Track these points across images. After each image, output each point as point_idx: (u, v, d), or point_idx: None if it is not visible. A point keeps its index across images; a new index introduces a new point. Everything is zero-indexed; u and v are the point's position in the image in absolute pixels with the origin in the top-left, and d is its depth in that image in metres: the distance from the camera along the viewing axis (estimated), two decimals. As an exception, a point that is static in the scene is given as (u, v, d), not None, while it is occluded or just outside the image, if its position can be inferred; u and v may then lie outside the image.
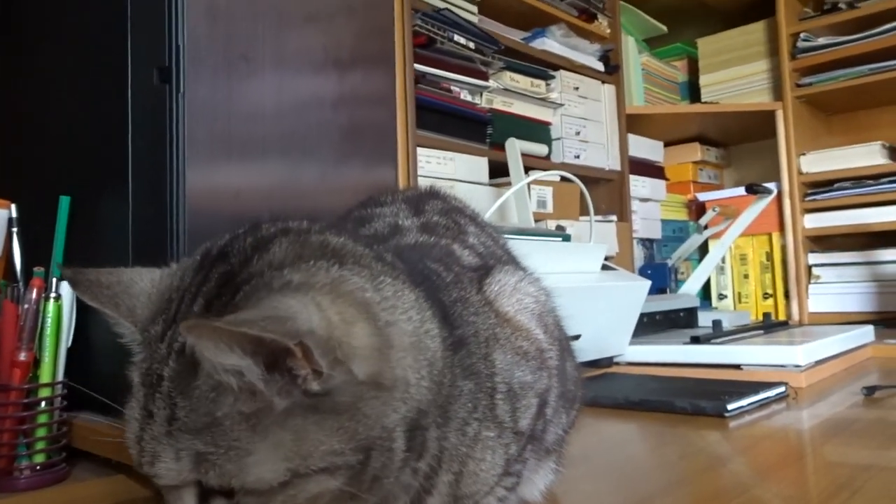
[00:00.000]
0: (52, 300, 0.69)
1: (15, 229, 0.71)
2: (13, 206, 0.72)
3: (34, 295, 0.67)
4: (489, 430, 0.43)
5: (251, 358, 0.33)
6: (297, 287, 0.37)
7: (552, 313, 0.53)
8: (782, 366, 1.13)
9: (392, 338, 0.38)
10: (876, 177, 1.94)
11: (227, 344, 0.33)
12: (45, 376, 0.68)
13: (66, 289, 0.70)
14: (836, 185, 2.00)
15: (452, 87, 1.51)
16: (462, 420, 0.42)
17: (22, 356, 0.67)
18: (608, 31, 1.98)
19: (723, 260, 2.22)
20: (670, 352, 1.26)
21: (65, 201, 0.72)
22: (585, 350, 1.11)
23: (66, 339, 0.71)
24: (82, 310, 0.72)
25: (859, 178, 1.97)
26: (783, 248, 2.10)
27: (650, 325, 1.48)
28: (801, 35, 2.05)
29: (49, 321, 0.69)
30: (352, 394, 0.36)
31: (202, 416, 0.35)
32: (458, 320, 0.44)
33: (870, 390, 0.99)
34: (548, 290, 0.54)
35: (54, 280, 0.69)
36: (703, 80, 2.30)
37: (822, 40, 2.02)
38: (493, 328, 0.46)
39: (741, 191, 2.00)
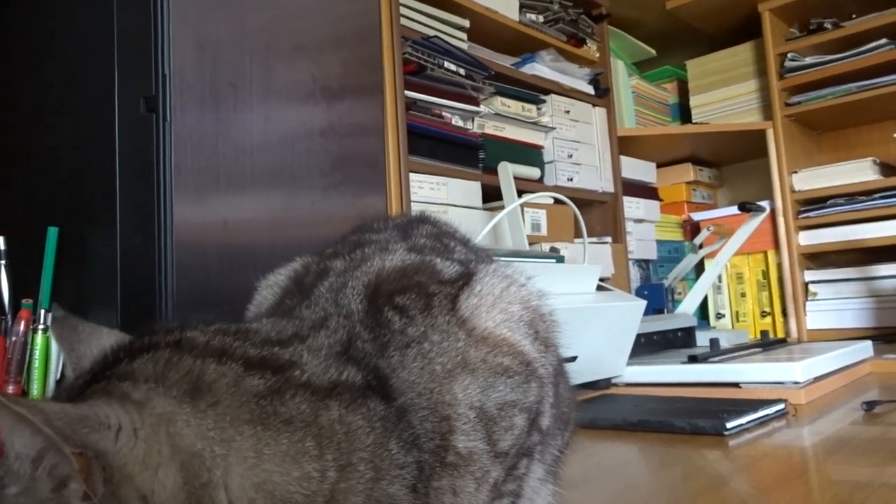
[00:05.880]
0: (40, 332, 0.68)
1: (3, 261, 0.71)
2: (1, 238, 0.72)
3: (22, 327, 0.67)
4: (444, 478, 0.41)
5: (35, 450, 0.31)
6: (129, 403, 0.34)
7: (545, 318, 0.50)
8: (781, 383, 1.12)
9: (215, 496, 0.34)
10: (868, 192, 1.95)
11: (13, 427, 0.31)
12: (33, 410, 0.68)
13: (54, 320, 0.69)
14: (829, 202, 2.01)
15: (444, 113, 1.52)
16: (409, 488, 0.39)
17: (9, 389, 0.66)
18: (597, 55, 2.00)
19: (719, 279, 2.22)
20: (668, 371, 1.25)
21: (53, 232, 0.72)
22: (583, 371, 1.10)
23: (55, 372, 0.70)
24: (71, 341, 0.71)
25: (852, 195, 1.97)
26: (779, 266, 2.10)
27: (647, 346, 1.48)
28: (789, 55, 2.07)
29: (37, 353, 0.68)
30: None
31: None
32: (402, 385, 0.41)
33: (870, 405, 0.98)
34: (540, 293, 0.51)
35: (42, 311, 0.69)
36: (694, 101, 2.32)
37: (809, 59, 2.04)
38: (463, 353, 0.43)
39: (735, 210, 2.00)
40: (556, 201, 1.62)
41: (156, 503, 0.32)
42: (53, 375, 0.70)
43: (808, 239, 2.05)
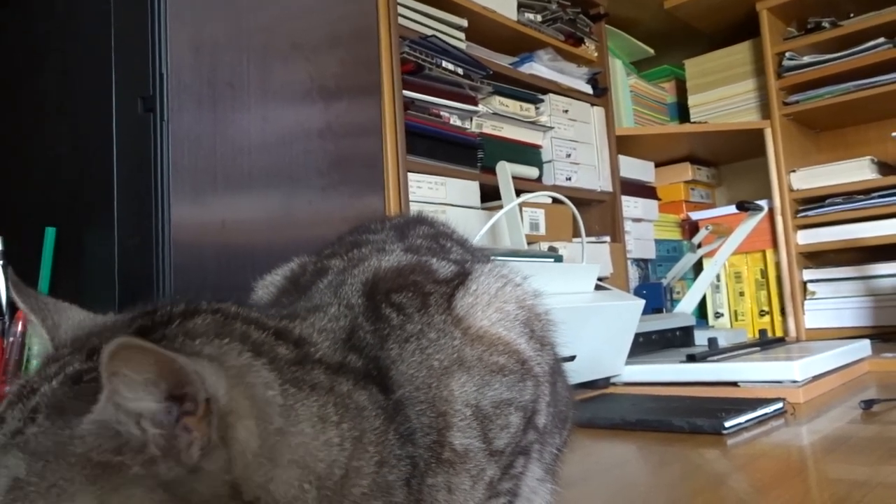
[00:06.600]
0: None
1: (0, 261, 0.71)
2: (-1, 239, 0.72)
3: (20, 328, 0.67)
4: (439, 475, 0.41)
5: (166, 402, 0.31)
6: (204, 358, 0.34)
7: (540, 317, 0.51)
8: (779, 382, 1.12)
9: (276, 448, 0.35)
10: (866, 192, 1.95)
11: (152, 376, 0.31)
12: (31, 410, 0.68)
13: (52, 321, 0.69)
14: (827, 201, 2.01)
15: (442, 113, 1.52)
16: (404, 481, 0.40)
17: (7, 389, 0.66)
18: (595, 54, 2.00)
19: (718, 278, 2.22)
20: (666, 371, 1.25)
21: (50, 232, 0.72)
22: (581, 371, 1.10)
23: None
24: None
25: (850, 194, 1.98)
26: (777, 265, 2.10)
27: (646, 345, 1.48)
28: (787, 54, 2.07)
29: (35, 354, 0.68)
30: (211, 491, 0.32)
31: (54, 444, 0.32)
32: (400, 378, 0.42)
33: (868, 404, 0.98)
34: (536, 292, 0.52)
35: (40, 312, 0.69)
36: (692, 100, 2.32)
37: (806, 59, 2.05)
38: (459, 351, 0.44)
39: (733, 209, 2.01)
40: (555, 201, 1.62)
41: (238, 451, 0.33)
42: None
43: (806, 238, 2.05)
